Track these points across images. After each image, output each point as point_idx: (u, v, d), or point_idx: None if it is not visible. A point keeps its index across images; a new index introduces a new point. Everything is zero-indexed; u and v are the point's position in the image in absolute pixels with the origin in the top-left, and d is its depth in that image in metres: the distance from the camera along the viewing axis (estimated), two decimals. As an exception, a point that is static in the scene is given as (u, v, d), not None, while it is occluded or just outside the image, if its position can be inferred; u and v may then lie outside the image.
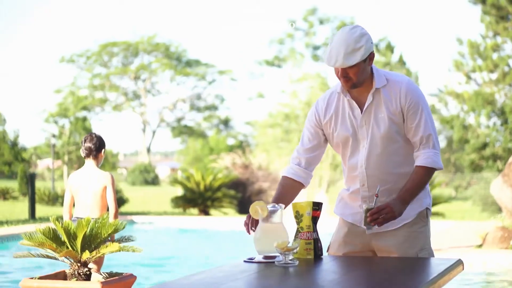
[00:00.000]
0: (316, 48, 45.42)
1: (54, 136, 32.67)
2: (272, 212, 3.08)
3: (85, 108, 51.35)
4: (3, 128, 49.15)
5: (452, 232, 13.18)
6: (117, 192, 19.72)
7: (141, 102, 54.26)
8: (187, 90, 55.16)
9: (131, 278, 4.83)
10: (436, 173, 32.77)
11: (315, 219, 3.24)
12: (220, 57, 78.68)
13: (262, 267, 2.99)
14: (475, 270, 8.97)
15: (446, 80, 33.70)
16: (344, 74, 3.14)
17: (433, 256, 3.37)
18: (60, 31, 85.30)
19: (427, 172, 3.23)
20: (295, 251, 3.00)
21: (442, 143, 40.93)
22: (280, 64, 46.63)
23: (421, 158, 3.24)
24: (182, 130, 55.48)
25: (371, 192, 3.28)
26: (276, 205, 3.10)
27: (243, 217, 18.37)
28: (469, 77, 28.83)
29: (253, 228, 3.15)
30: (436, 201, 17.77)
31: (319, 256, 3.21)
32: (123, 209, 20.07)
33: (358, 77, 3.16)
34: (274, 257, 3.07)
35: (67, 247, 4.51)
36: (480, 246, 10.16)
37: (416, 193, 3.23)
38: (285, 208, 3.20)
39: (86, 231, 4.50)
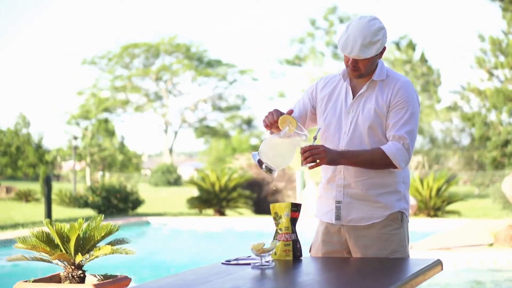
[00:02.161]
0: (336, 47, 45.30)
1: (75, 138, 32.89)
2: (296, 133, 3.08)
3: (107, 109, 51.66)
4: (27, 130, 49.70)
5: (465, 231, 13.07)
6: (133, 193, 19.84)
7: (163, 103, 54.41)
8: (208, 90, 55.24)
9: (126, 280, 4.83)
10: (456, 170, 32.29)
11: (294, 221, 3.23)
12: (241, 57, 78.75)
13: (237, 269, 2.99)
14: (485, 268, 8.91)
15: (468, 77, 33.51)
16: (354, 64, 3.16)
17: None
18: (82, 33, 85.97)
19: (381, 156, 3.16)
20: (271, 252, 3.00)
21: (465, 140, 40.53)
22: (301, 63, 46.61)
23: (386, 145, 3.18)
24: (205, 131, 55.55)
25: (346, 181, 3.26)
26: (303, 130, 3.10)
27: (259, 217, 18.10)
28: (491, 74, 28.61)
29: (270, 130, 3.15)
30: (452, 199, 17.62)
31: (298, 258, 3.20)
32: (140, 210, 20.14)
33: (366, 69, 3.18)
34: (271, 170, 3.11)
35: (61, 250, 4.55)
36: (491, 244, 10.08)
37: (358, 162, 3.18)
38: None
39: (79, 234, 4.53)
